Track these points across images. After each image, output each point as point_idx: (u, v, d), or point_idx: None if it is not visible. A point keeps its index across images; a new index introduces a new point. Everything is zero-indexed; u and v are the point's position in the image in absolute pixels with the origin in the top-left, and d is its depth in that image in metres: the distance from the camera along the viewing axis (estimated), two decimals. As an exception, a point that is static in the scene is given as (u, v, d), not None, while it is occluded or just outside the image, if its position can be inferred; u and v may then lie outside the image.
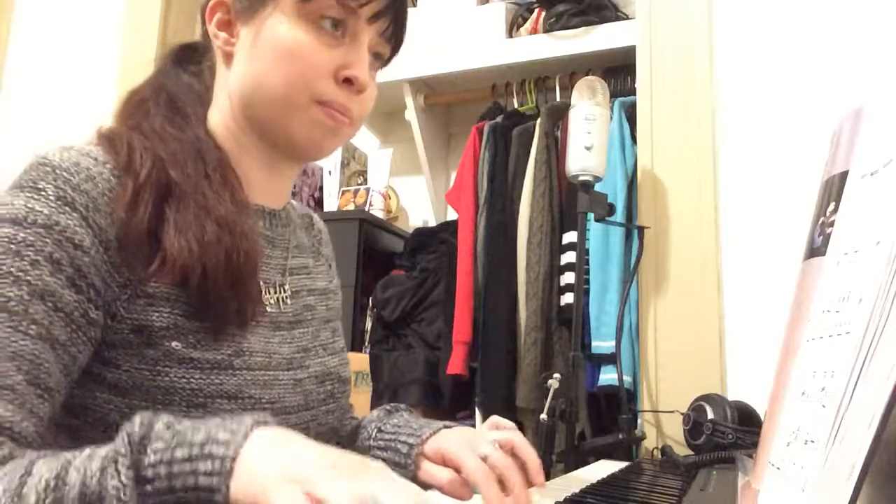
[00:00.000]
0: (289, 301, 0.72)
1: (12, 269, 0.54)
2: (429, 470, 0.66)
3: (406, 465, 0.68)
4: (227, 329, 0.62)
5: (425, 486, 0.68)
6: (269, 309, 0.69)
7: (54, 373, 0.55)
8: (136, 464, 0.44)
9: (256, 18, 0.67)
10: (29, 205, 0.56)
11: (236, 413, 0.58)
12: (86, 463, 0.45)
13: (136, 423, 0.46)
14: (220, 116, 0.71)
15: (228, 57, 0.70)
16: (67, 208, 0.57)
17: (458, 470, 0.64)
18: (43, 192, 0.57)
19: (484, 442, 0.65)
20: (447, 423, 0.72)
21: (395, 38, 0.72)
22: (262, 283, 0.69)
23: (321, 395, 0.72)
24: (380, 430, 0.75)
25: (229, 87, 0.69)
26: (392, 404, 0.81)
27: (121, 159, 0.61)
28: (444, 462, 0.66)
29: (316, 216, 0.89)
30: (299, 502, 0.41)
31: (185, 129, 0.66)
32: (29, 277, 0.54)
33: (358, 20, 0.67)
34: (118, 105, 0.70)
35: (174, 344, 0.59)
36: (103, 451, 0.45)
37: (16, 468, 0.46)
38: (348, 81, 0.67)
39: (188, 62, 0.75)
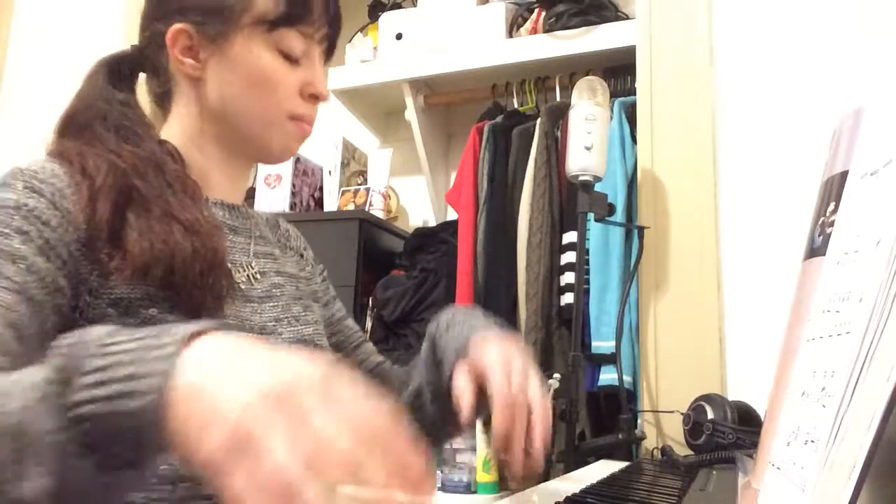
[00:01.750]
0: (259, 277, 0.77)
1: None
2: (456, 383, 0.66)
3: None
4: (204, 308, 0.65)
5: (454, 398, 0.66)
6: (241, 286, 0.74)
7: (32, 324, 0.57)
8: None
9: (222, 45, 0.74)
10: (0, 196, 0.60)
11: None
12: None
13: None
14: (181, 128, 0.77)
15: (195, 80, 0.76)
16: (35, 194, 0.61)
17: (481, 383, 0.64)
18: (12, 186, 0.61)
19: (519, 370, 0.65)
20: (491, 329, 0.72)
21: (332, 49, 0.83)
22: (230, 264, 0.73)
23: None
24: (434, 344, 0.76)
25: (200, 104, 0.76)
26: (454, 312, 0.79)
27: (75, 168, 0.65)
28: (475, 371, 0.66)
29: (283, 219, 0.94)
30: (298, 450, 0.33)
31: (139, 145, 0.71)
32: (1, 246, 0.57)
33: (312, 42, 0.78)
34: (57, 128, 0.73)
35: (151, 310, 0.63)
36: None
37: None
38: (313, 97, 0.79)
39: (119, 79, 0.78)
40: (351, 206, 1.96)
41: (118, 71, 0.78)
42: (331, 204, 2.00)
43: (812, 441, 0.39)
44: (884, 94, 0.46)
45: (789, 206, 1.32)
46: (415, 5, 1.97)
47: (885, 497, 0.37)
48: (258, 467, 0.33)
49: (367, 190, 1.96)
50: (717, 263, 1.36)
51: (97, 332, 0.40)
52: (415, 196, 2.07)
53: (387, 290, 1.77)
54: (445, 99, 1.96)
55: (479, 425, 1.54)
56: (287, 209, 1.94)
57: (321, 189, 2.06)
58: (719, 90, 1.42)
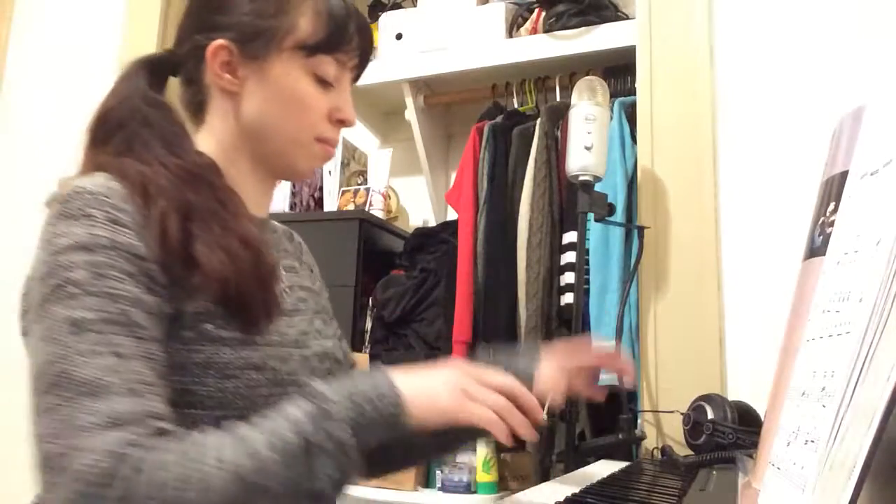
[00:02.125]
0: (288, 291, 0.79)
1: (104, 289, 0.59)
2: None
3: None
4: (258, 322, 0.69)
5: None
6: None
7: (164, 363, 0.62)
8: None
9: (262, 65, 0.76)
10: (88, 231, 0.61)
11: (263, 382, 0.69)
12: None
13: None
14: (216, 141, 0.79)
15: (231, 94, 0.78)
16: (119, 226, 0.63)
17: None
18: (94, 217, 0.62)
19: None
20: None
21: (360, 76, 0.86)
22: None
23: (323, 373, 0.78)
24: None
25: (236, 119, 0.78)
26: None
27: (136, 189, 0.66)
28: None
29: (294, 232, 0.96)
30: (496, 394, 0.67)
31: (183, 157, 0.72)
32: (121, 292, 0.60)
33: (344, 69, 0.81)
34: (92, 125, 0.73)
35: (207, 326, 0.66)
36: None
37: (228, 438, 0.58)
38: (340, 121, 0.81)
39: (156, 78, 0.79)
40: (351, 206, 1.96)
41: (155, 73, 0.79)
42: (331, 204, 2.00)
43: (812, 441, 0.39)
44: (884, 94, 0.46)
45: (789, 206, 1.32)
46: (415, 5, 1.97)
47: (885, 497, 0.37)
48: (483, 400, 0.66)
49: (367, 190, 1.96)
50: (717, 263, 1.36)
51: (321, 387, 0.63)
52: (415, 196, 2.07)
53: (387, 290, 1.77)
54: (445, 99, 1.96)
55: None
56: (287, 209, 1.94)
57: (321, 189, 2.06)
58: (719, 90, 1.42)
